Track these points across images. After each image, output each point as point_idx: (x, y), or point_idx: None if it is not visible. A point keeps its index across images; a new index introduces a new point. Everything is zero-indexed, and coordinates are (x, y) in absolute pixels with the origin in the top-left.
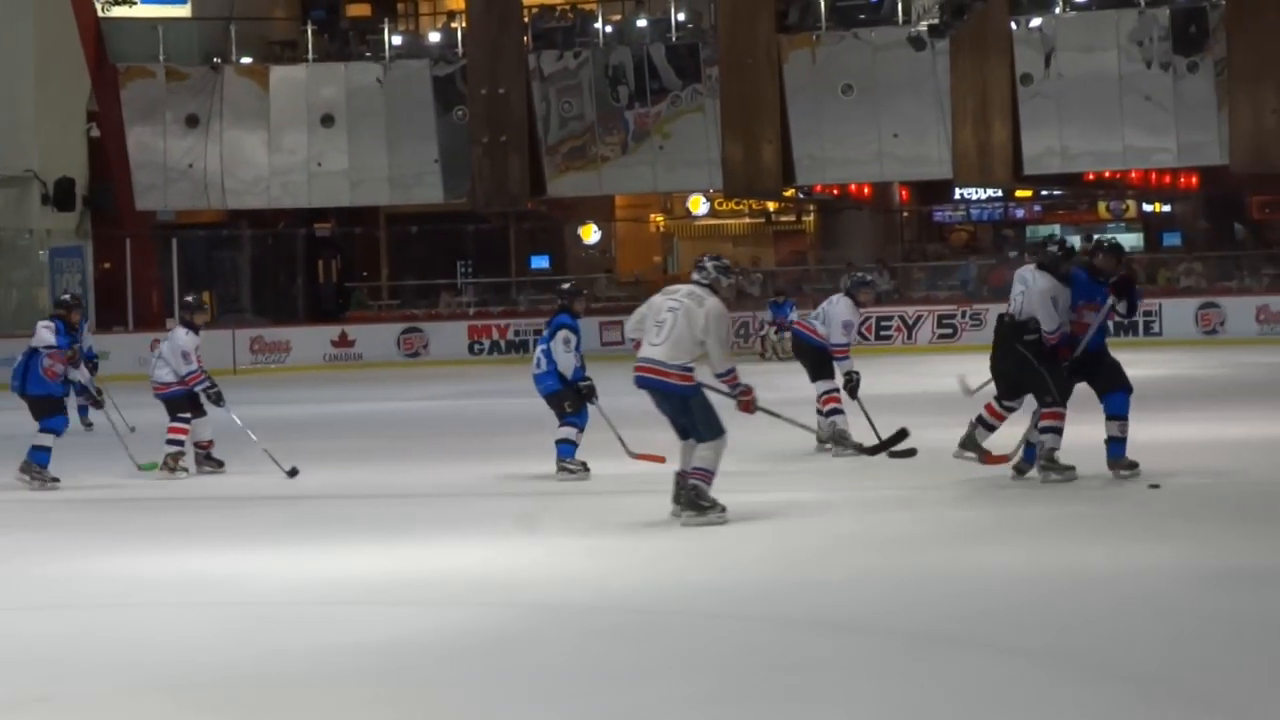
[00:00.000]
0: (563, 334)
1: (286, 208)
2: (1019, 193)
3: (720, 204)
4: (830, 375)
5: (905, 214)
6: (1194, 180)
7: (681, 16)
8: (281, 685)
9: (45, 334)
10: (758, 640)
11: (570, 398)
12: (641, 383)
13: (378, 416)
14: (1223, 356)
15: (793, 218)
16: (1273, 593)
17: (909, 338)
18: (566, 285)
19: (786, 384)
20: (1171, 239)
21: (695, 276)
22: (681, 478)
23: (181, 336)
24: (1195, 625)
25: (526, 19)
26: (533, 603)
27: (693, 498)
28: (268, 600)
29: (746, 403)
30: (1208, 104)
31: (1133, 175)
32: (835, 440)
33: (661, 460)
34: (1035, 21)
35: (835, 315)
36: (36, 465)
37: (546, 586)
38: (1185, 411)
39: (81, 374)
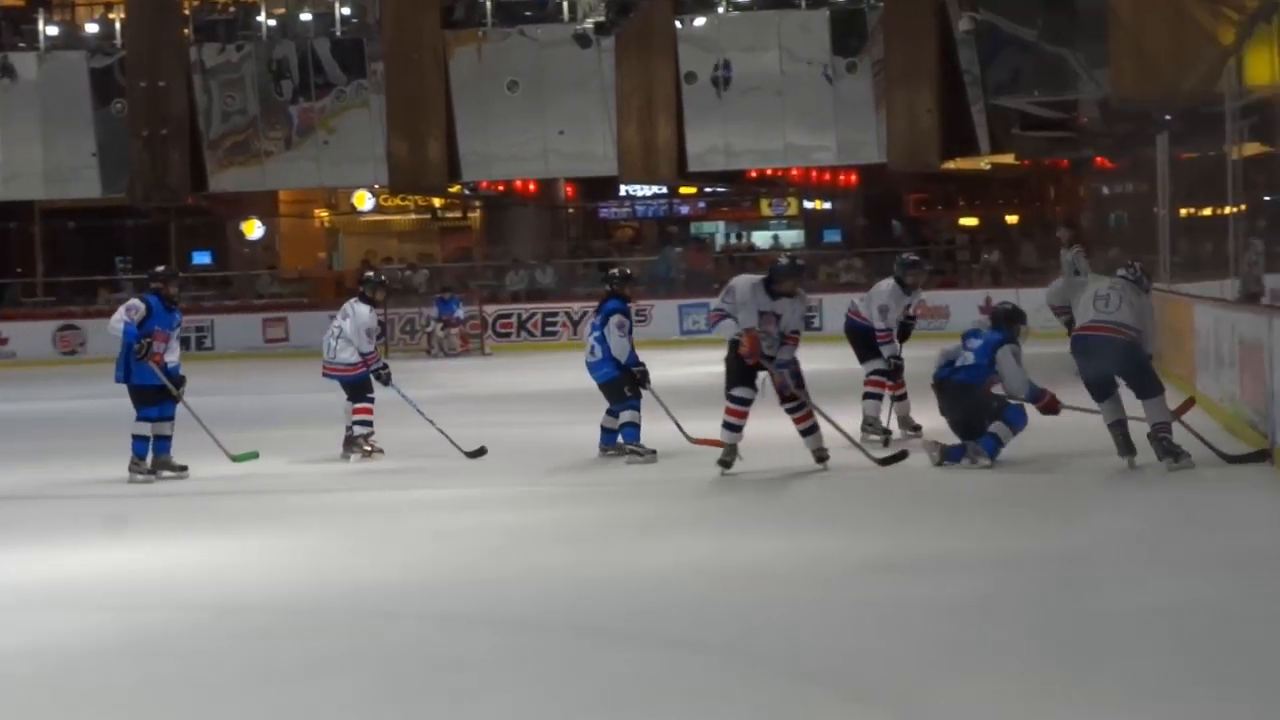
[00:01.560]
0: (615, 319)
1: None
2: (683, 190)
3: (386, 200)
4: (877, 356)
5: (571, 210)
6: (853, 178)
7: (346, 11)
8: None
9: (121, 322)
10: (423, 638)
11: (628, 382)
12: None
13: (31, 416)
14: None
15: (459, 214)
16: (930, 581)
17: (574, 334)
18: (616, 270)
19: (452, 380)
20: (832, 236)
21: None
22: None
23: (365, 314)
24: (856, 615)
25: (187, 11)
26: (192, 603)
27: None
28: None
29: None
30: (866, 104)
31: (794, 173)
32: (866, 424)
33: (720, 444)
34: (699, 21)
35: (874, 299)
36: (158, 456)
37: (207, 586)
38: (855, 405)
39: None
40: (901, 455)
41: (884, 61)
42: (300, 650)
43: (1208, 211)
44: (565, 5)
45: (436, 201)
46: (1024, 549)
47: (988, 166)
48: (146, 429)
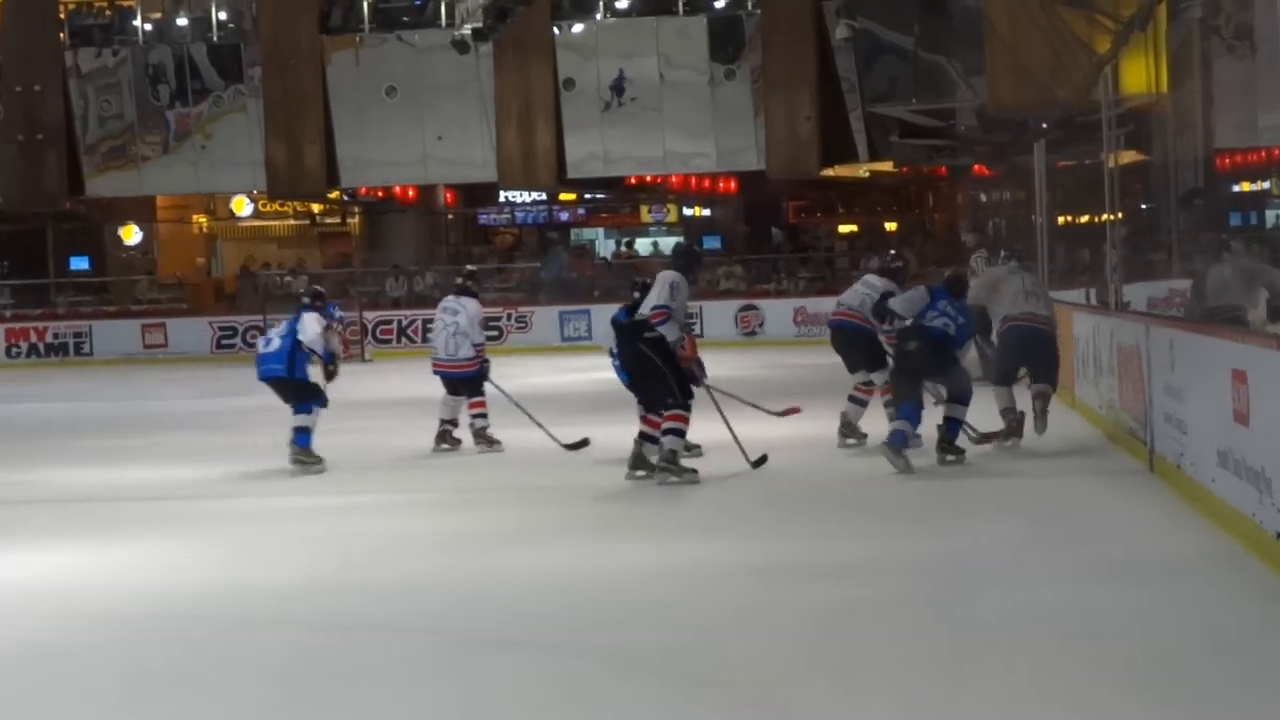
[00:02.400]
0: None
1: None
2: (563, 196)
3: (264, 205)
4: (871, 363)
5: (450, 216)
6: (733, 185)
7: (223, 15)
8: None
9: (313, 326)
10: (305, 646)
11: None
12: None
13: None
14: (764, 357)
15: (338, 219)
16: (811, 586)
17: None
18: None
19: (331, 386)
20: (711, 242)
21: None
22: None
23: (476, 305)
24: (729, 618)
25: (63, 15)
26: (67, 611)
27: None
28: None
29: None
30: (745, 110)
31: (674, 180)
32: (844, 427)
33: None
34: (577, 27)
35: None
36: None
37: (86, 593)
38: (730, 411)
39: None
40: (763, 459)
41: (762, 68)
42: (175, 658)
43: (1085, 219)
44: (443, 11)
45: (315, 207)
46: (908, 554)
47: (866, 174)
48: (308, 420)
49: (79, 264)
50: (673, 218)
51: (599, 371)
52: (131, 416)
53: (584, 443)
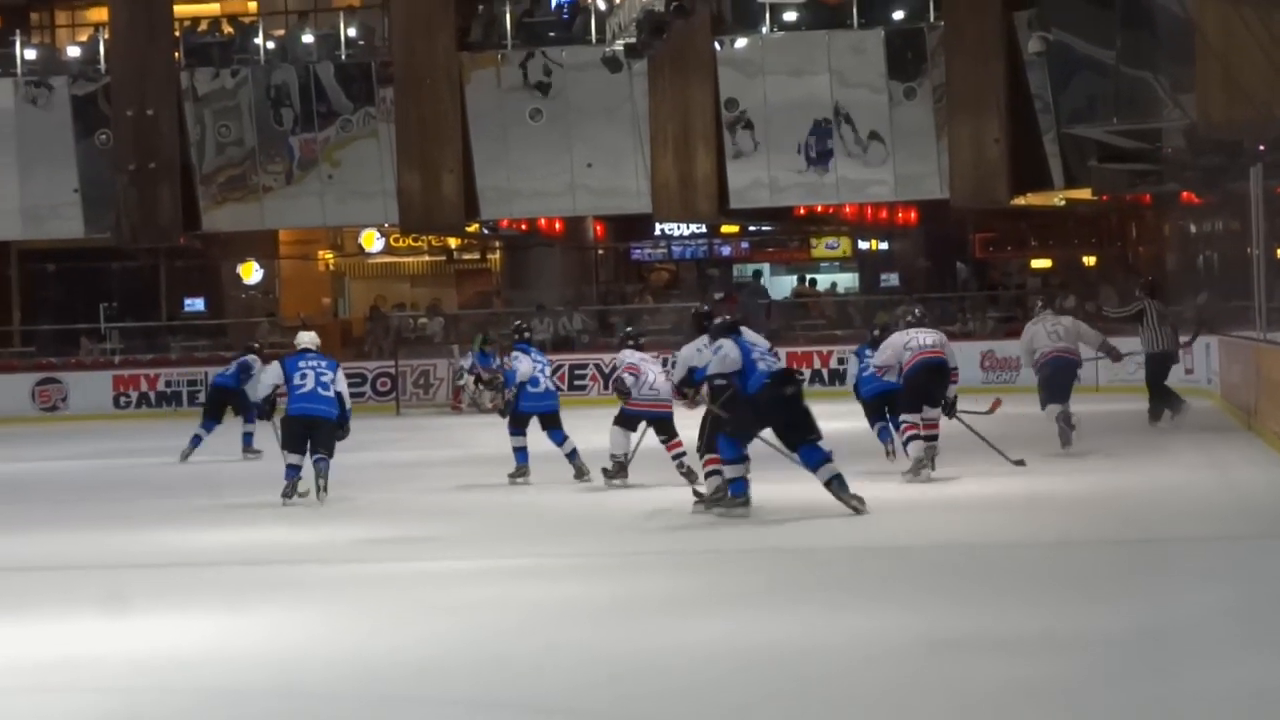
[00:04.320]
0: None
1: None
2: (725, 228)
3: (397, 240)
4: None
5: (600, 252)
6: (913, 215)
7: (352, 32)
8: None
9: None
10: None
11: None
12: None
13: (9, 479)
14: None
15: (477, 255)
16: (986, 662)
17: (605, 388)
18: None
19: (472, 439)
20: (890, 279)
21: None
22: None
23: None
24: (919, 697)
25: (178, 33)
26: (193, 686)
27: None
28: None
29: None
30: (926, 133)
31: (847, 210)
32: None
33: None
34: (741, 43)
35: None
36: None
37: (209, 666)
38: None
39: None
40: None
41: (946, 86)
42: None
43: None
44: (593, 25)
45: (452, 242)
46: (1092, 625)
47: (1062, 202)
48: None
49: (194, 305)
50: (846, 251)
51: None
52: (246, 474)
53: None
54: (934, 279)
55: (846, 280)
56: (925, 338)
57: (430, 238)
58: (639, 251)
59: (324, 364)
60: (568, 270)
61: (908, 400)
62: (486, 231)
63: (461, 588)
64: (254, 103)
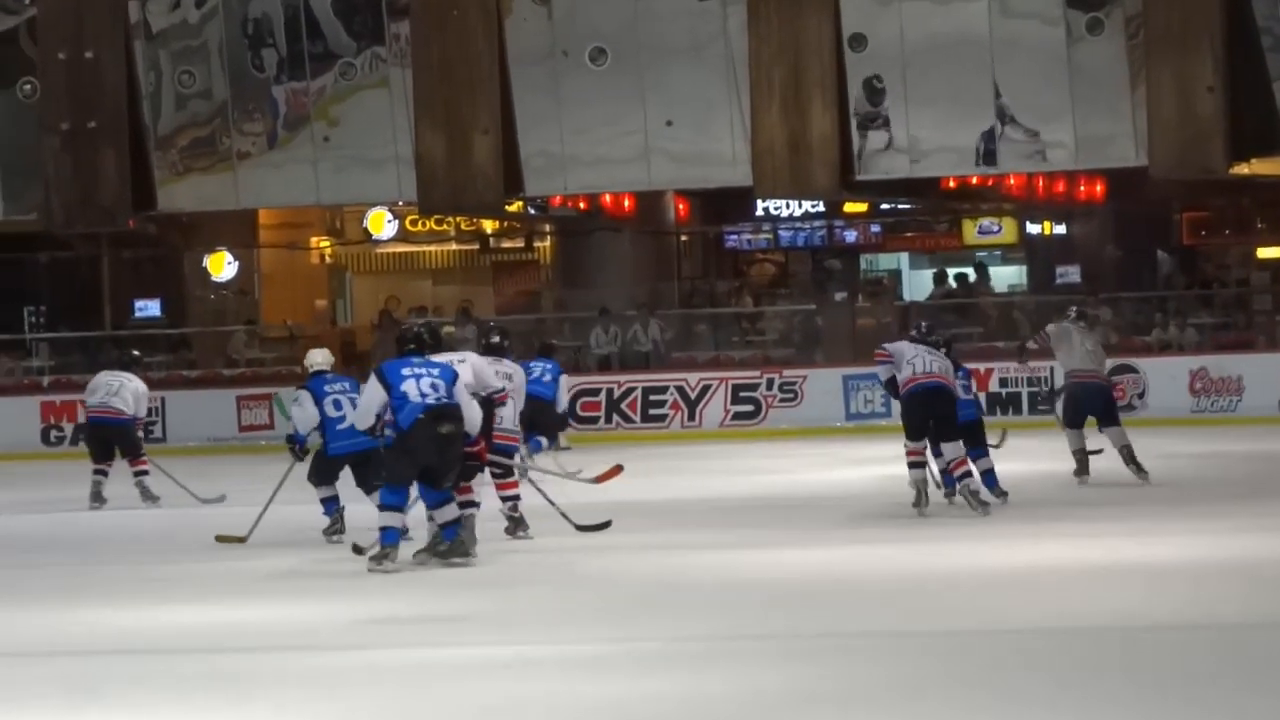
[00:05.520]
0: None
1: None
2: (848, 207)
3: (414, 223)
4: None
5: (684, 238)
6: (1099, 189)
7: None
8: None
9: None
10: None
11: None
12: None
13: None
14: (1144, 444)
15: (520, 243)
16: None
17: (691, 418)
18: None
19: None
20: (1068, 274)
21: None
22: None
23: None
24: None
25: None
26: None
27: None
28: None
29: None
30: (1117, 79)
31: (1011, 182)
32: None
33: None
34: None
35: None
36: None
37: None
38: (1088, 523)
39: None
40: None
41: (1143, 17)
42: None
43: None
44: None
45: (488, 226)
46: None
47: None
48: None
49: (148, 309)
50: (1010, 237)
51: (897, 465)
52: (222, 527)
53: (605, 525)
54: (1127, 273)
55: (1009, 275)
56: (932, 362)
57: (458, 220)
58: (734, 238)
59: (348, 385)
60: (640, 263)
61: (909, 425)
62: (533, 212)
63: (502, 680)
64: (225, 42)
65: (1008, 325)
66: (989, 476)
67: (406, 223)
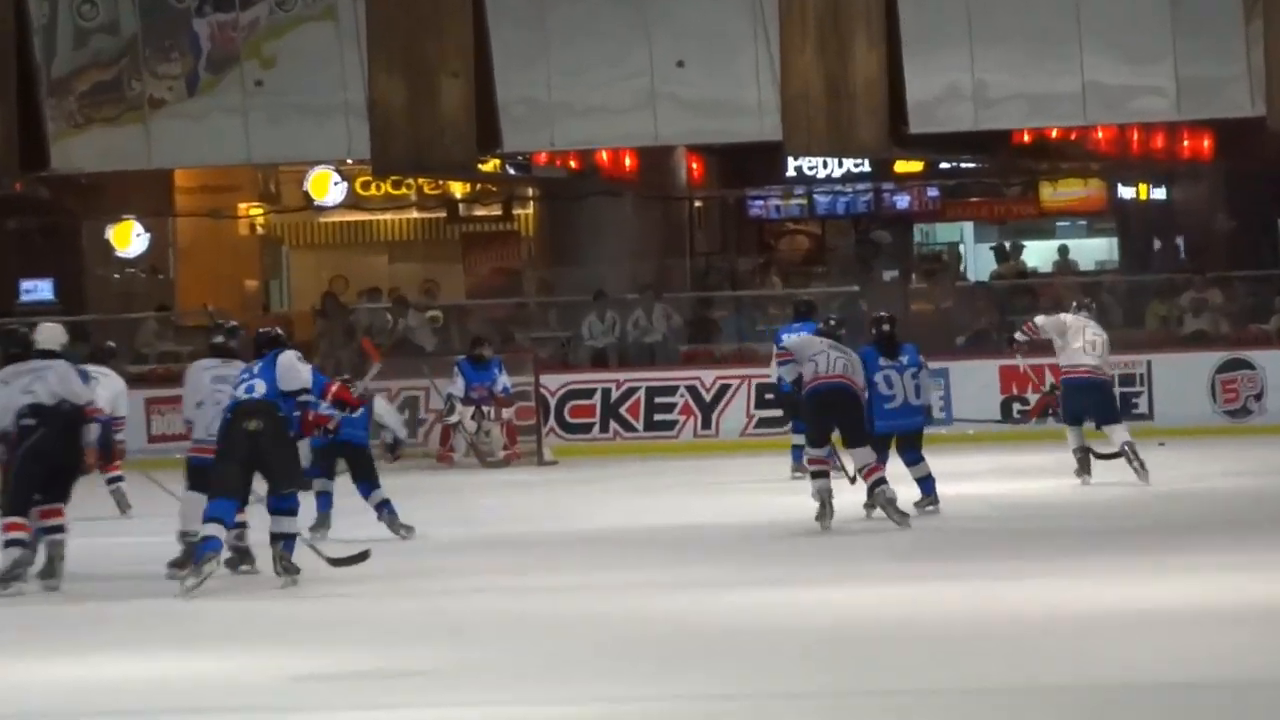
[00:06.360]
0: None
1: None
2: (900, 166)
3: (367, 186)
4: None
5: (699, 205)
6: (1206, 145)
7: None
8: None
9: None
10: None
11: None
12: None
13: None
14: (1259, 454)
15: (497, 210)
16: None
17: (706, 425)
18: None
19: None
20: (1168, 250)
21: None
22: None
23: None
24: None
25: None
26: None
27: None
28: None
29: None
30: (1228, 13)
31: (1099, 136)
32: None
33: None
34: None
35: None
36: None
37: None
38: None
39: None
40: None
41: None
42: None
43: None
44: None
45: (457, 189)
46: None
47: None
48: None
49: (38, 291)
50: (1098, 203)
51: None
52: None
53: (363, 556)
54: (1242, 247)
55: (1098, 249)
56: (837, 360)
57: (421, 182)
58: (759, 204)
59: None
60: (644, 236)
61: (810, 430)
62: (512, 173)
63: None
64: None
65: (1096, 313)
66: (927, 483)
67: (357, 185)
